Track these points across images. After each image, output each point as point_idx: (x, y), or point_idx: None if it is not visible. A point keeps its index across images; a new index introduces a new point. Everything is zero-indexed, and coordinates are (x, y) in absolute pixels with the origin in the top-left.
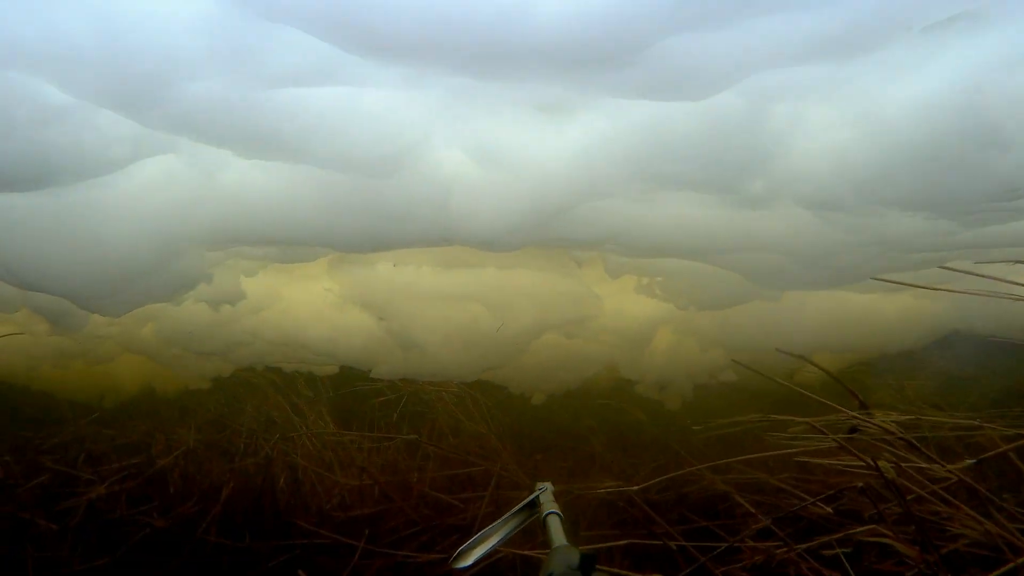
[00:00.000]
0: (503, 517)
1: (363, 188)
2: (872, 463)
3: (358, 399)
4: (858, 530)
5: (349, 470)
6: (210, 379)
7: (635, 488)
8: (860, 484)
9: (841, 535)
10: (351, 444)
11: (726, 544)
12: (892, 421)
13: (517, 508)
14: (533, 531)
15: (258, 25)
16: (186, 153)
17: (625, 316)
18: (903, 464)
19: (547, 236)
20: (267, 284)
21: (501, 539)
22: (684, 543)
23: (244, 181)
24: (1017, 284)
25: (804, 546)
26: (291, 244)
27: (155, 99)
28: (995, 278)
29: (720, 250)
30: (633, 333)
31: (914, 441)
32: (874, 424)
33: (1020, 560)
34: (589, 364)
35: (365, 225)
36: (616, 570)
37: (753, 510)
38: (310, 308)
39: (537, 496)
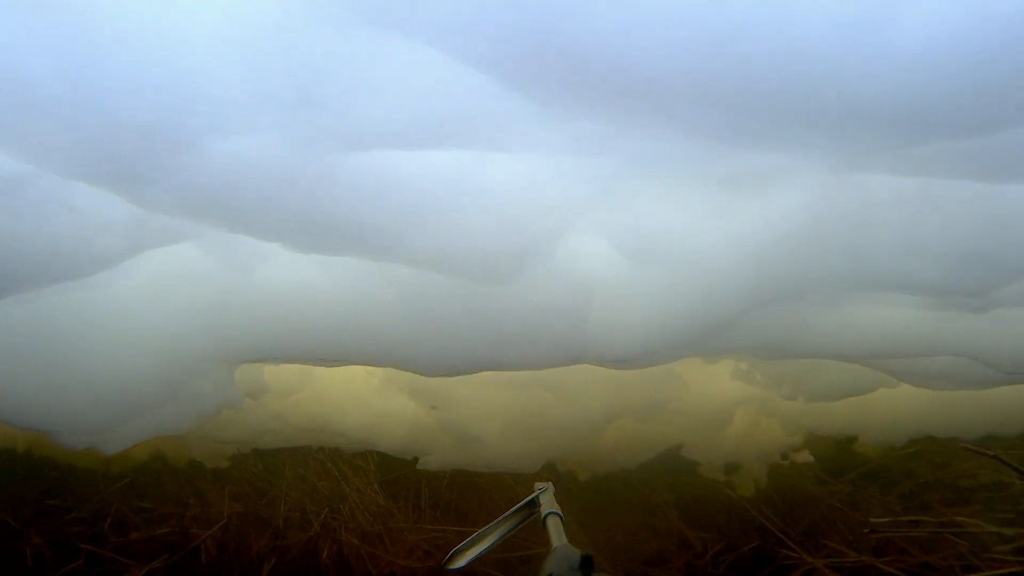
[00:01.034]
0: (500, 517)
1: (468, 295)
2: None
3: (405, 463)
4: None
5: (400, 546)
6: (228, 457)
7: None
8: None
9: None
10: (401, 514)
11: None
12: None
13: (515, 508)
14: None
15: (344, 40)
16: (208, 241)
17: (705, 396)
18: None
19: (701, 349)
20: (298, 364)
21: (497, 540)
22: None
23: (291, 279)
24: None
25: None
26: (351, 362)
27: (162, 166)
28: None
29: (894, 354)
30: (710, 415)
31: None
32: None
33: None
34: (653, 446)
35: (463, 345)
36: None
37: None
38: (348, 391)
39: (537, 496)
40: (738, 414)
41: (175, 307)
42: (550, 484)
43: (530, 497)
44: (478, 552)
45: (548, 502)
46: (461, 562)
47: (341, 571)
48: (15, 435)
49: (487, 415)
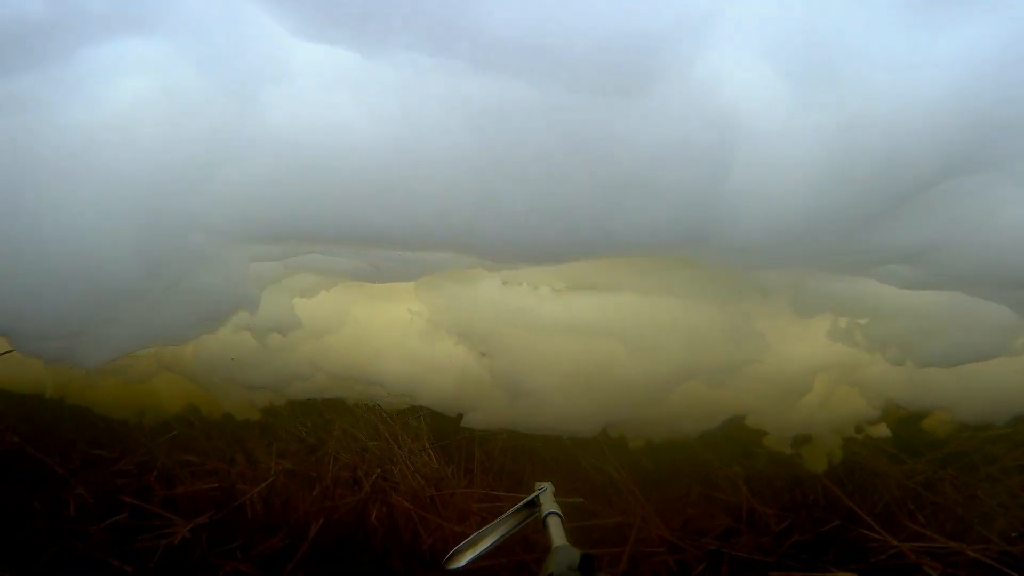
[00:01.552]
0: (500, 517)
1: (567, 118)
2: None
3: (455, 424)
4: None
5: (451, 510)
6: (260, 409)
7: None
8: None
9: None
10: (454, 478)
11: None
12: None
13: (515, 508)
14: None
15: None
16: (195, 41)
17: (786, 360)
18: None
19: (845, 252)
20: (333, 301)
21: (497, 540)
22: None
23: (312, 112)
24: None
25: None
26: (398, 246)
27: None
28: None
29: None
30: (787, 381)
31: None
32: None
33: None
34: (717, 413)
35: (551, 200)
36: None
37: None
38: (388, 335)
39: (537, 496)
40: (817, 382)
41: (153, 149)
42: (550, 484)
43: (530, 497)
44: (478, 552)
45: (548, 502)
46: (461, 562)
47: (390, 534)
48: (43, 377)
49: (546, 367)
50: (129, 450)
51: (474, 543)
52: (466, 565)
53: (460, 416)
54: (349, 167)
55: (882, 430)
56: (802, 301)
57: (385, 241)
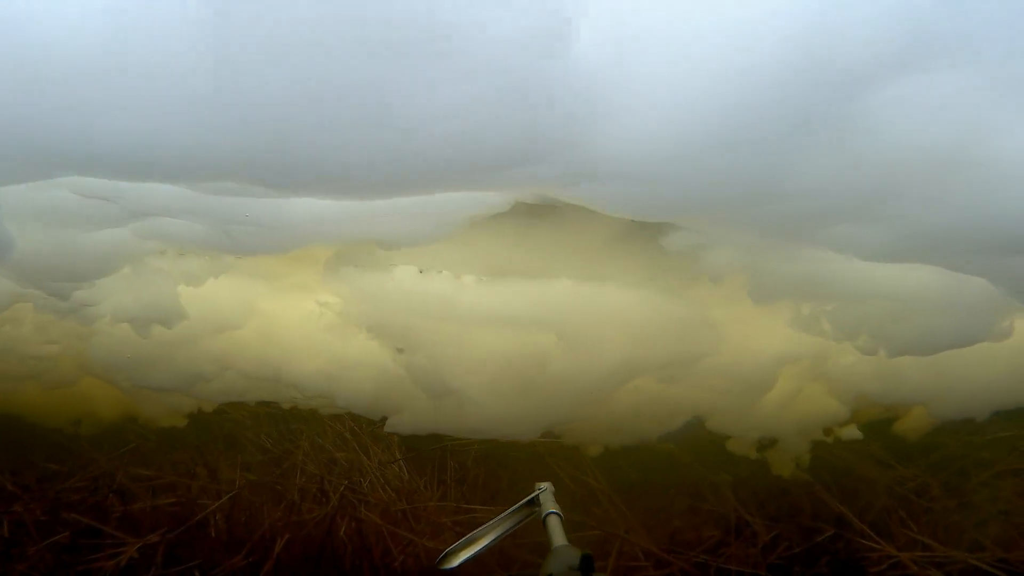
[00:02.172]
0: (498, 517)
1: None
2: None
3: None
4: None
5: (424, 524)
6: (185, 415)
7: None
8: None
9: None
10: (426, 490)
11: None
12: None
13: (514, 508)
14: None
15: None
16: None
17: (747, 353)
18: None
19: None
20: (232, 292)
21: (493, 540)
22: None
23: None
24: None
25: None
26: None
27: None
28: None
29: None
30: (748, 376)
31: None
32: None
33: None
34: (677, 414)
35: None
36: None
37: None
38: (299, 330)
39: (536, 496)
40: (782, 377)
41: None
42: (550, 484)
43: (530, 497)
44: (473, 552)
45: (548, 502)
46: (455, 562)
47: (360, 550)
48: None
49: (470, 363)
50: (82, 464)
51: (470, 543)
52: (459, 566)
53: (383, 420)
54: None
55: (852, 432)
56: (759, 286)
57: (103, 165)
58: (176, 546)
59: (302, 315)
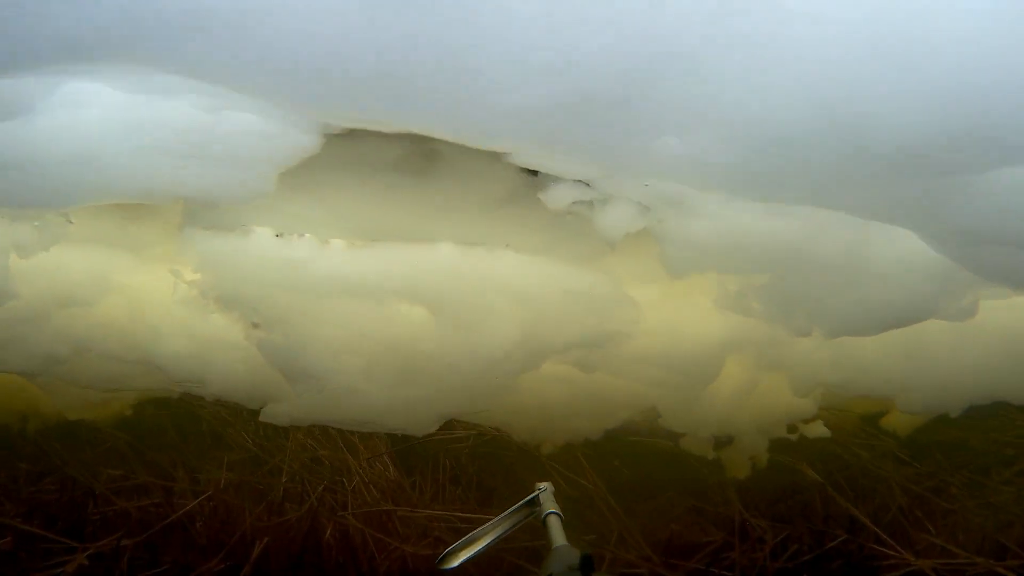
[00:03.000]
0: (498, 517)
1: None
2: None
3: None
4: None
5: (412, 528)
6: (95, 405)
7: None
8: None
9: None
10: (414, 491)
11: None
12: None
13: (514, 508)
14: None
15: None
16: None
17: (681, 338)
18: None
19: None
20: (85, 263)
21: (493, 540)
22: None
23: None
24: None
25: None
26: None
27: None
28: None
29: None
30: (688, 365)
31: None
32: None
33: None
34: (618, 408)
35: None
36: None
37: None
38: (159, 305)
39: (536, 496)
40: (730, 365)
41: None
42: (550, 484)
43: (529, 496)
44: (473, 552)
45: (548, 501)
46: (455, 562)
47: (346, 556)
48: None
49: (338, 342)
50: (55, 466)
51: (469, 543)
52: (459, 566)
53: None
54: None
55: (819, 429)
56: (672, 253)
57: None
58: (149, 549)
59: (156, 286)
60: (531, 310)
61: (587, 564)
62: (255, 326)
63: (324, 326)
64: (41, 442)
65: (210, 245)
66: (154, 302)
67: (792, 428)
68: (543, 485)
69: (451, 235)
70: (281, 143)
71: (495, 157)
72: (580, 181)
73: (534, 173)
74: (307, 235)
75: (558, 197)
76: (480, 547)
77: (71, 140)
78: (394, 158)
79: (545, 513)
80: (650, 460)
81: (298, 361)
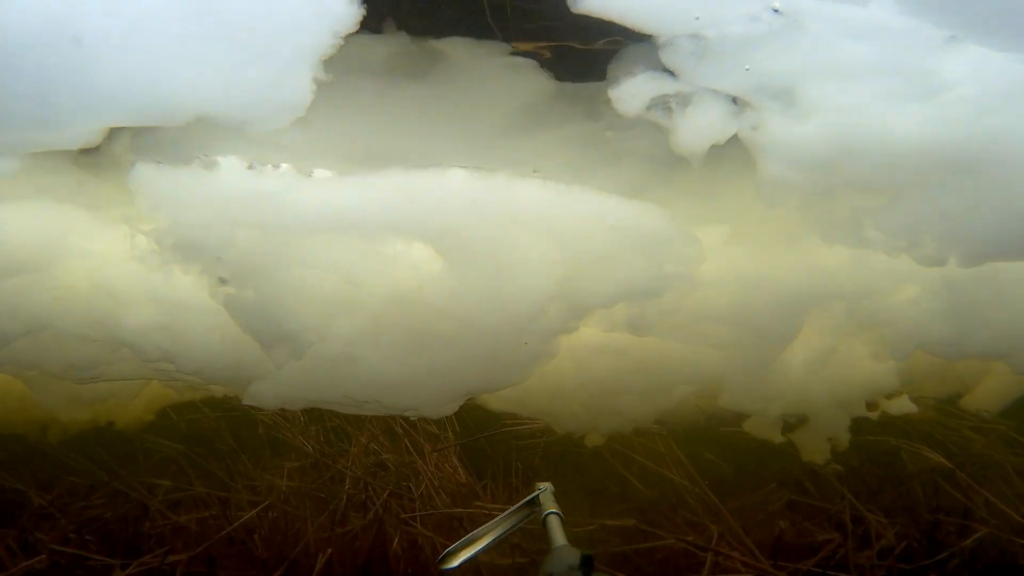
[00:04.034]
0: (498, 517)
1: None
2: None
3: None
4: None
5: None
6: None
7: None
8: None
9: None
10: (486, 494)
11: None
12: None
13: (514, 508)
14: None
15: None
16: None
17: (754, 288)
18: None
19: None
20: (33, 221)
21: (493, 541)
22: None
23: None
24: None
25: None
26: None
27: None
28: None
29: None
30: (764, 323)
31: None
32: None
33: None
34: (674, 382)
35: None
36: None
37: None
38: (125, 271)
39: (537, 496)
40: (811, 327)
41: None
42: (550, 484)
43: (530, 496)
44: (474, 552)
45: (548, 502)
46: (455, 562)
47: (415, 568)
48: None
49: (326, 298)
50: (103, 480)
51: (469, 543)
52: (459, 566)
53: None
54: None
55: (904, 404)
56: (768, 172)
57: None
58: (202, 563)
59: (121, 247)
60: (567, 252)
61: (587, 564)
62: (222, 281)
63: (308, 278)
64: (89, 452)
65: (164, 182)
66: (118, 267)
67: (872, 404)
68: (543, 485)
69: (464, 158)
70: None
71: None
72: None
73: (565, 78)
74: (284, 165)
75: (633, 95)
76: (480, 547)
77: None
78: (387, 57)
79: (545, 513)
80: (742, 451)
81: (275, 322)
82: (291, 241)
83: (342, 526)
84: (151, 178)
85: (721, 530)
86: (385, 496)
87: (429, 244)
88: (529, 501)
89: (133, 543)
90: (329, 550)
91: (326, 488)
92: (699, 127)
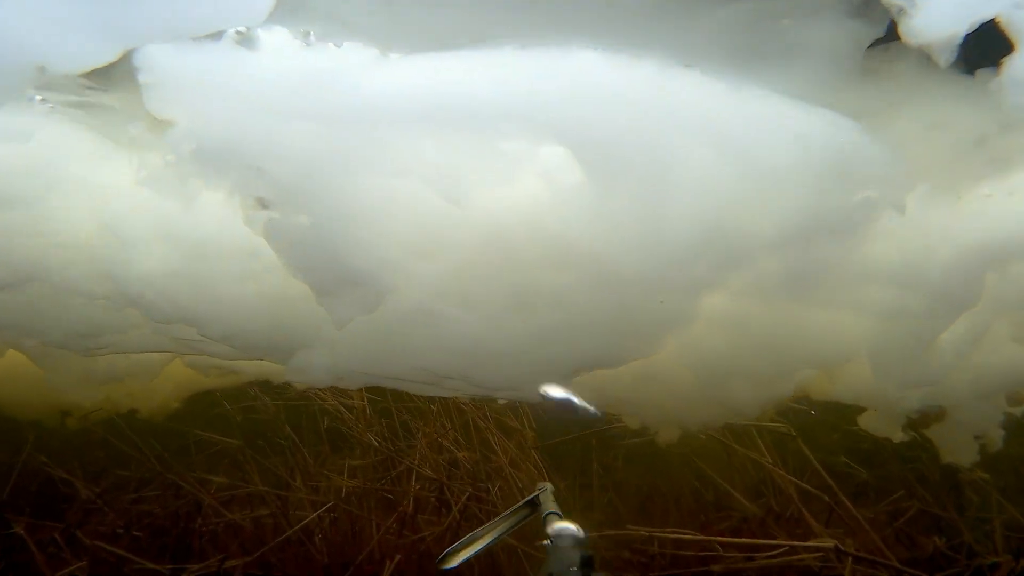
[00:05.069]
0: (498, 517)
1: None
2: None
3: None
4: None
5: None
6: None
7: None
8: None
9: None
10: (568, 498)
11: None
12: None
13: (513, 508)
14: None
15: None
16: None
17: (931, 236)
18: None
19: None
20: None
21: (492, 540)
22: None
23: None
24: None
25: None
26: None
27: None
28: None
29: None
30: (943, 285)
31: None
32: None
33: None
34: (800, 362)
35: None
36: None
37: None
38: (133, 200)
39: (537, 496)
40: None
41: None
42: (549, 484)
43: (529, 497)
44: (473, 552)
45: (548, 502)
46: (454, 562)
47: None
48: None
49: (401, 228)
50: (156, 472)
51: (469, 543)
52: (458, 566)
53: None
54: None
55: None
56: None
57: None
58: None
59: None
60: (738, 168)
61: (587, 564)
62: (262, 204)
63: (384, 194)
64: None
65: (184, 63)
66: (127, 199)
67: (1015, 398)
68: (543, 485)
69: (591, 38)
70: None
71: None
72: None
73: None
74: (346, 44)
75: None
76: (479, 547)
77: None
78: None
79: (545, 513)
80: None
81: (337, 260)
82: (360, 140)
83: (411, 530)
84: (166, 59)
85: (856, 546)
86: (464, 500)
87: (545, 151)
88: (529, 501)
89: (184, 541)
90: (397, 556)
91: (393, 488)
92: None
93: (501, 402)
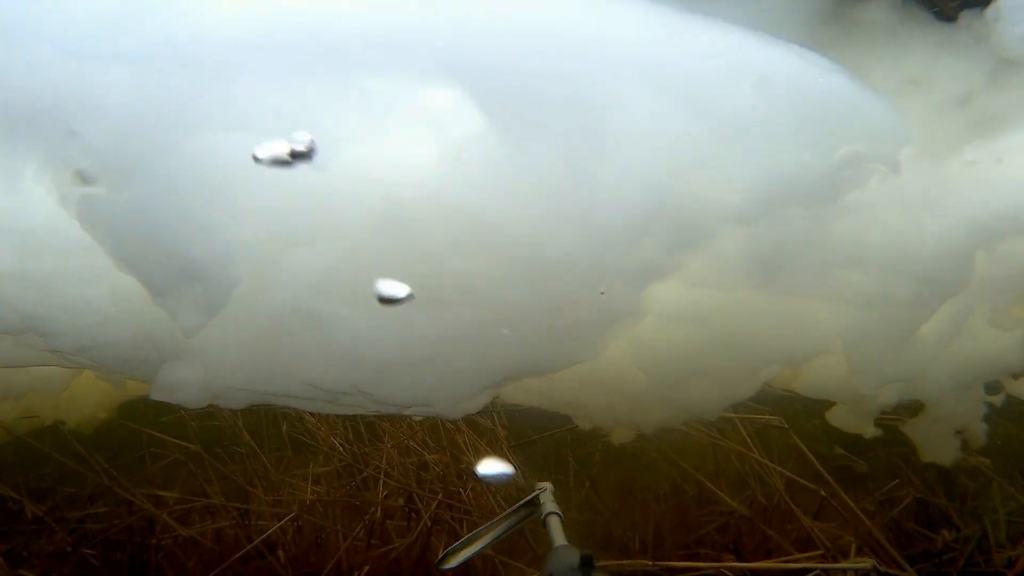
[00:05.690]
0: (498, 517)
1: None
2: None
3: (537, 422)
4: None
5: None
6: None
7: None
8: None
9: None
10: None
11: None
12: None
13: (513, 508)
14: None
15: None
16: None
17: (918, 221)
18: None
19: None
20: None
21: (492, 540)
22: None
23: None
24: None
25: None
26: None
27: None
28: None
29: None
30: (925, 265)
31: None
32: None
33: None
34: (768, 359)
35: None
36: None
37: None
38: None
39: (536, 496)
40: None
41: None
42: (549, 484)
43: (529, 497)
44: (472, 552)
45: (548, 502)
46: (454, 562)
47: None
48: None
49: (263, 205)
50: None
51: (468, 543)
52: (458, 566)
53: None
54: None
55: None
56: None
57: None
58: None
59: None
60: (690, 119)
61: (587, 564)
62: (82, 178)
63: (220, 167)
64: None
65: None
66: None
67: (994, 386)
68: (543, 485)
69: None
70: None
71: None
72: None
73: None
74: None
75: None
76: (479, 547)
77: None
78: None
79: (545, 513)
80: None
81: (168, 248)
82: (196, 87)
83: (380, 539)
84: None
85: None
86: (434, 508)
87: (448, 97)
88: (529, 501)
89: (138, 559)
90: (366, 568)
91: (360, 496)
92: None
93: (417, 419)
